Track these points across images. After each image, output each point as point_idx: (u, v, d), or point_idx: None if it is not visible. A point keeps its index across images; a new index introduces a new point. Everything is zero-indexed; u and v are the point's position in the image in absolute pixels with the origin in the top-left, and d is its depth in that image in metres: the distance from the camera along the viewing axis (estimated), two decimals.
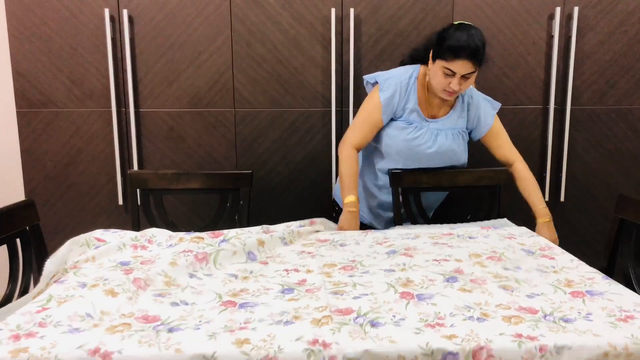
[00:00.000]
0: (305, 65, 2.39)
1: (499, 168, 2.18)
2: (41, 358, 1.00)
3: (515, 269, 1.45)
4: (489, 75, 2.43)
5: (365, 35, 2.39)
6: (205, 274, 1.43)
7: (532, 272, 1.43)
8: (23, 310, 1.19)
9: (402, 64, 2.09)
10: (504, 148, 2.07)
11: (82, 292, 1.28)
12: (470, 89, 2.03)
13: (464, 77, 1.81)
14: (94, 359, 1.01)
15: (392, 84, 1.93)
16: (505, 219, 2.00)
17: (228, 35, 2.36)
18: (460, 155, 2.03)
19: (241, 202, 2.15)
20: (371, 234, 1.78)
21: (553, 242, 1.87)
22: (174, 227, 2.13)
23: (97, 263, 1.50)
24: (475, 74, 1.85)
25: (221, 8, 2.34)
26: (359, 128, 1.97)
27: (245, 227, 2.13)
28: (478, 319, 1.16)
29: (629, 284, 1.61)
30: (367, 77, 2.03)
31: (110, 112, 2.39)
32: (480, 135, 2.05)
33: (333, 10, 2.32)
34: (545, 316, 1.17)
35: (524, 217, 2.53)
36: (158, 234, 1.68)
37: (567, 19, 2.39)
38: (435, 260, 1.49)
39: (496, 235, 1.76)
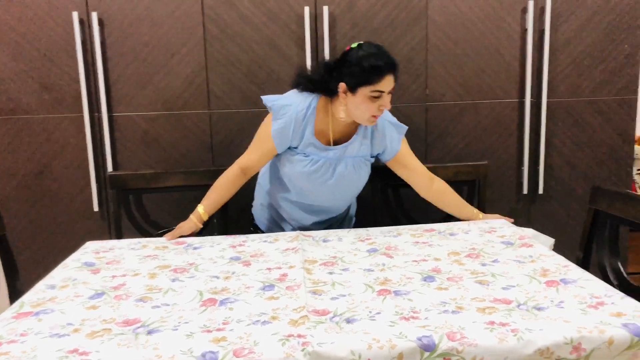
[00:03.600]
0: (280, 64, 2.37)
1: (479, 163, 2.18)
2: (21, 359, 1.01)
3: (492, 262, 1.44)
4: (464, 70, 2.43)
5: (339, 33, 2.37)
6: (188, 277, 1.42)
7: (509, 264, 1.43)
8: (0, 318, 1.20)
9: (296, 85, 1.87)
10: (418, 170, 1.93)
11: (56, 294, 1.26)
12: None
13: (389, 94, 1.72)
14: (72, 355, 1.02)
15: (287, 114, 1.78)
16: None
17: (201, 36, 2.33)
18: (361, 182, 1.90)
19: None
20: (354, 231, 1.78)
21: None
22: (155, 227, 2.11)
23: (61, 265, 1.50)
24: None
25: (193, 9, 2.31)
26: (252, 151, 1.87)
27: (224, 223, 2.11)
28: (453, 311, 1.15)
29: (604, 275, 1.60)
30: (264, 99, 1.85)
31: (83, 117, 2.35)
32: (386, 160, 1.92)
33: (307, 9, 2.30)
34: (518, 305, 1.17)
35: (504, 211, 2.54)
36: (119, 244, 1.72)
37: (540, 12, 2.40)
38: (415, 261, 1.48)
39: (477, 229, 1.76)
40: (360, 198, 2.27)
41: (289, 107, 1.79)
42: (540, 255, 1.47)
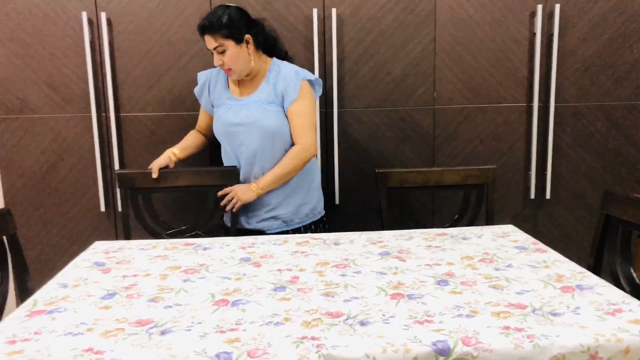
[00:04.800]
0: None
1: (487, 167, 2.17)
2: (36, 357, 1.01)
3: (506, 267, 1.44)
4: (472, 73, 2.43)
5: (347, 35, 2.37)
6: (199, 277, 1.42)
7: (523, 268, 1.43)
8: (12, 316, 1.20)
9: None
10: (295, 130, 2.01)
11: (68, 293, 1.25)
12: (280, 64, 2.06)
13: (220, 53, 1.94)
14: (87, 354, 1.02)
15: (203, 76, 2.14)
16: (511, 226, 1.89)
17: None
18: (267, 122, 1.98)
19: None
20: (366, 234, 1.78)
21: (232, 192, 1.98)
22: (163, 226, 2.10)
23: (72, 264, 1.50)
24: (231, 48, 1.93)
25: (201, 10, 2.30)
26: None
27: (234, 223, 2.10)
28: (467, 316, 1.15)
29: (616, 281, 1.60)
30: None
31: (90, 117, 2.35)
32: (286, 108, 2.02)
33: (315, 11, 2.30)
34: (534, 310, 1.16)
35: (511, 215, 2.54)
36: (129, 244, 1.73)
37: (548, 17, 2.40)
38: (427, 264, 1.48)
39: (490, 234, 1.75)
40: (366, 201, 2.28)
41: (207, 71, 2.15)
42: (555, 261, 1.47)
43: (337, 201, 2.45)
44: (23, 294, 1.61)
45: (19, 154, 2.36)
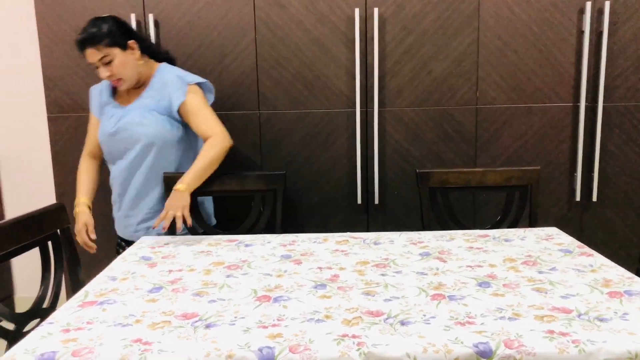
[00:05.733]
0: (329, 66, 2.39)
1: (530, 168, 2.13)
2: (89, 345, 1.06)
3: (550, 270, 1.41)
4: (516, 72, 2.38)
5: (389, 35, 2.37)
6: (241, 273, 1.46)
7: (568, 272, 1.40)
8: (65, 306, 1.26)
9: None
10: (201, 126, 1.95)
11: (117, 286, 1.31)
12: (165, 69, 2.02)
13: (107, 64, 1.88)
14: (136, 344, 1.06)
15: (96, 89, 2.09)
16: (555, 228, 1.85)
17: (252, 37, 2.37)
18: (144, 131, 1.94)
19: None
20: (406, 234, 1.77)
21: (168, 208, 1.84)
22: (208, 229, 2.13)
23: (120, 257, 1.55)
24: (118, 56, 1.88)
25: (245, 11, 2.35)
26: (87, 136, 2.14)
27: (279, 228, 2.12)
28: (509, 318, 1.13)
29: None
30: None
31: None
32: (174, 110, 1.97)
33: (357, 11, 2.30)
34: (579, 315, 1.14)
35: (556, 218, 2.48)
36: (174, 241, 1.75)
37: (597, 14, 2.33)
38: (469, 266, 1.47)
39: (533, 236, 1.72)
40: (407, 201, 2.26)
41: (99, 84, 2.11)
42: (602, 265, 1.43)
43: (376, 201, 2.45)
44: (75, 284, 1.68)
45: (70, 151, 2.46)
